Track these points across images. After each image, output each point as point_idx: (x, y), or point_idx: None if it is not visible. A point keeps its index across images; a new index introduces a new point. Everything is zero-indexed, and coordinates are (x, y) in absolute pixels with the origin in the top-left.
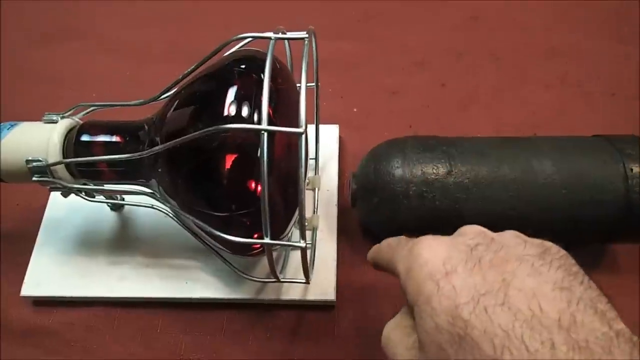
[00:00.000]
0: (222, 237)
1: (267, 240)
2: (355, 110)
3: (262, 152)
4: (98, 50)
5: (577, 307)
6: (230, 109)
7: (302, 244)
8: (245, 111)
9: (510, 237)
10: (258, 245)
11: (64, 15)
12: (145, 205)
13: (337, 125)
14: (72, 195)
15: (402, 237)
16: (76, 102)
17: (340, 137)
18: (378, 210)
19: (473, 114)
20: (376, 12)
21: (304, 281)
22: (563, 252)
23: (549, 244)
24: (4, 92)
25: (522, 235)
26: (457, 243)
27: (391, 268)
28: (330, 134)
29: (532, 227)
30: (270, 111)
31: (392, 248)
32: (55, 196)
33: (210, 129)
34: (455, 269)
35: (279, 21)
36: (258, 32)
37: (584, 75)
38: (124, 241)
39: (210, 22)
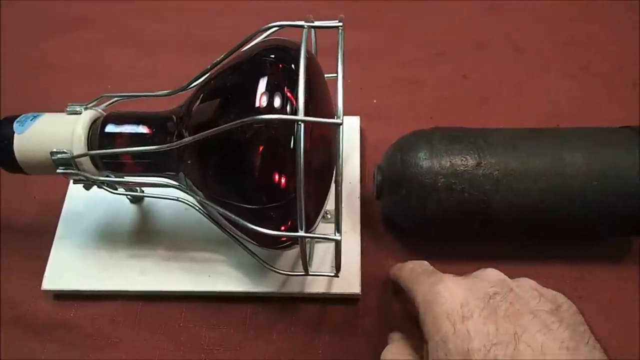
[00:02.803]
0: (255, 230)
1: (301, 233)
2: (375, 101)
3: (298, 143)
4: (112, 42)
5: None
6: (262, 100)
7: (338, 237)
8: (277, 102)
9: (527, 289)
10: (287, 240)
11: (77, 6)
12: (170, 198)
13: (358, 117)
14: (92, 188)
15: (425, 267)
16: (91, 93)
17: (360, 129)
18: (405, 203)
19: (494, 105)
20: (394, 3)
21: (332, 274)
22: (573, 308)
23: (562, 299)
24: (18, 83)
25: (538, 287)
26: (476, 289)
27: (410, 295)
28: (351, 125)
29: (561, 219)
30: None
31: (414, 275)
32: (73, 189)
33: (246, 119)
34: (472, 315)
35: (295, 13)
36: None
37: (605, 65)
38: (144, 234)
39: (224, 13)
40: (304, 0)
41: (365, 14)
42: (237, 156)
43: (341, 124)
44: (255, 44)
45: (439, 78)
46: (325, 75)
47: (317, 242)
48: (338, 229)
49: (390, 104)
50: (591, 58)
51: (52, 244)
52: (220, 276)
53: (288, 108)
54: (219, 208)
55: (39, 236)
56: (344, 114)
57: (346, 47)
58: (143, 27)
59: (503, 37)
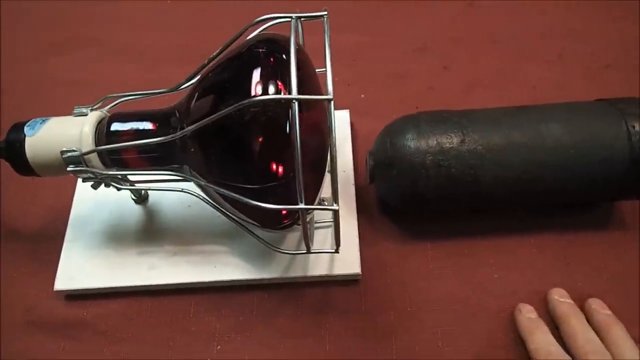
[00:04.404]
0: (258, 205)
1: (302, 205)
2: (362, 96)
3: (294, 121)
4: (111, 56)
5: None
6: (257, 88)
7: (336, 206)
8: (272, 87)
9: None
10: (287, 220)
11: (77, 22)
12: (175, 190)
13: (348, 110)
14: (96, 193)
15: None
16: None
17: (350, 122)
18: (397, 182)
19: (476, 94)
20: (375, 4)
21: (332, 250)
22: None
23: None
24: (23, 98)
25: None
26: None
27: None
28: (341, 118)
29: (544, 188)
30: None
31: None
32: (80, 194)
33: (244, 102)
34: None
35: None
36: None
37: (579, 51)
38: (151, 232)
39: (219, 23)
40: (290, 5)
41: (346, 16)
42: (237, 139)
43: (332, 99)
44: (248, 38)
45: (421, 71)
46: (316, 70)
47: (316, 228)
48: (335, 199)
49: (378, 98)
50: (565, 45)
51: (61, 247)
52: (226, 266)
53: (282, 92)
54: (223, 190)
55: (48, 241)
56: (335, 109)
57: (333, 47)
58: (142, 43)
59: (480, 30)
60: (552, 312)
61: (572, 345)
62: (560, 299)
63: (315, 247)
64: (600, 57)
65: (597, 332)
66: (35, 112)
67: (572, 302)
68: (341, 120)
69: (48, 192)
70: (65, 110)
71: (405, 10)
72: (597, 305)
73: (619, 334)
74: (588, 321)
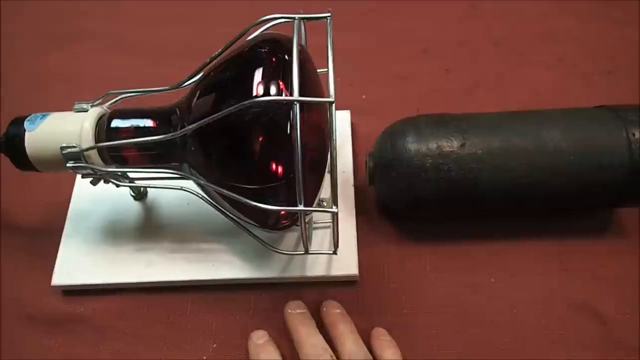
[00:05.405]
0: (257, 206)
1: (301, 207)
2: (364, 97)
3: (295, 122)
4: (113, 51)
5: None
6: (259, 88)
7: (335, 209)
8: (273, 88)
9: None
10: (286, 221)
11: (78, 17)
12: (174, 188)
13: (349, 111)
14: (95, 189)
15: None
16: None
17: (351, 123)
18: (396, 185)
19: (477, 97)
20: (378, 5)
21: (331, 252)
22: None
23: None
24: (24, 93)
25: None
26: None
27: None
28: (342, 119)
29: (543, 193)
30: None
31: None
32: (78, 189)
33: (245, 102)
34: None
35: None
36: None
37: (580, 56)
38: (149, 229)
39: (222, 21)
40: (292, 5)
41: (350, 16)
42: (237, 139)
43: (333, 102)
44: (250, 38)
45: (423, 74)
46: (318, 70)
47: (314, 228)
48: (335, 201)
49: (379, 99)
50: (566, 49)
51: (59, 243)
52: (224, 264)
53: (283, 93)
54: (222, 190)
55: (45, 236)
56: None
57: (336, 46)
58: (144, 37)
59: (482, 33)
60: (286, 324)
61: (299, 352)
62: (290, 311)
63: (313, 247)
64: (601, 63)
65: (328, 331)
66: (35, 106)
67: (304, 311)
68: (342, 121)
69: (46, 187)
70: (65, 105)
71: (409, 13)
72: (329, 307)
73: (341, 328)
74: (323, 323)
